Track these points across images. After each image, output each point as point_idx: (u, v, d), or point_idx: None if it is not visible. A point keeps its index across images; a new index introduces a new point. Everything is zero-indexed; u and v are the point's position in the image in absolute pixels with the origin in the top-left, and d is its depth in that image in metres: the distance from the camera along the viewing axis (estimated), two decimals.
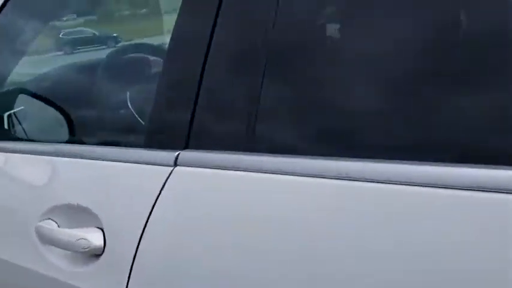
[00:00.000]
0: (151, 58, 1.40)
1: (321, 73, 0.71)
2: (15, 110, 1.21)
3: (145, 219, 0.81)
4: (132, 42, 1.68)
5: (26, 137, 1.21)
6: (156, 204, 0.81)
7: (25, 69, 1.36)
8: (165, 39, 0.98)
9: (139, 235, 0.82)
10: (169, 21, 0.83)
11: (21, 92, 1.25)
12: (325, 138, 0.70)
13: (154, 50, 1.49)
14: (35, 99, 1.24)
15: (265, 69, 0.74)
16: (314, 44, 0.73)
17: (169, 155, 0.84)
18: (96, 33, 1.69)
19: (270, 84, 0.74)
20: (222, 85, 0.81)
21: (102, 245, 0.87)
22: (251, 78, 0.75)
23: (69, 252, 0.92)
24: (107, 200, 0.91)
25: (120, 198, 0.90)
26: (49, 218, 0.97)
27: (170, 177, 0.82)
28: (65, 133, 1.15)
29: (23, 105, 1.22)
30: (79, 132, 1.16)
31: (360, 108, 0.67)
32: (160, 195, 0.82)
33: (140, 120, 1.08)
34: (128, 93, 1.17)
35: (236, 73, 0.79)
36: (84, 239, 0.87)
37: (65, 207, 0.95)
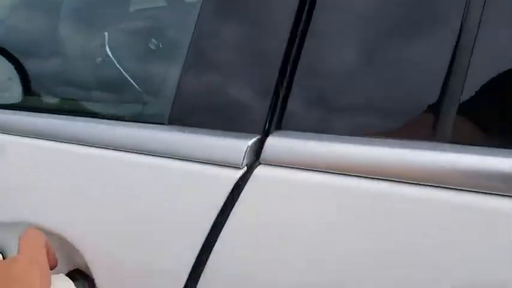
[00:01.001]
0: None
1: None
2: None
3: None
4: None
5: None
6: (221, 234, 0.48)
7: None
8: None
9: None
10: None
11: None
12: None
13: None
14: None
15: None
16: None
17: (238, 146, 0.49)
18: None
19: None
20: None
21: None
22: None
23: None
24: (94, 223, 0.55)
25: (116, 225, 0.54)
26: None
27: (246, 186, 0.48)
28: (19, 91, 0.76)
29: None
30: (52, 89, 0.76)
31: None
32: (223, 221, 0.48)
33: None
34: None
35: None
36: None
37: (21, 227, 0.61)
